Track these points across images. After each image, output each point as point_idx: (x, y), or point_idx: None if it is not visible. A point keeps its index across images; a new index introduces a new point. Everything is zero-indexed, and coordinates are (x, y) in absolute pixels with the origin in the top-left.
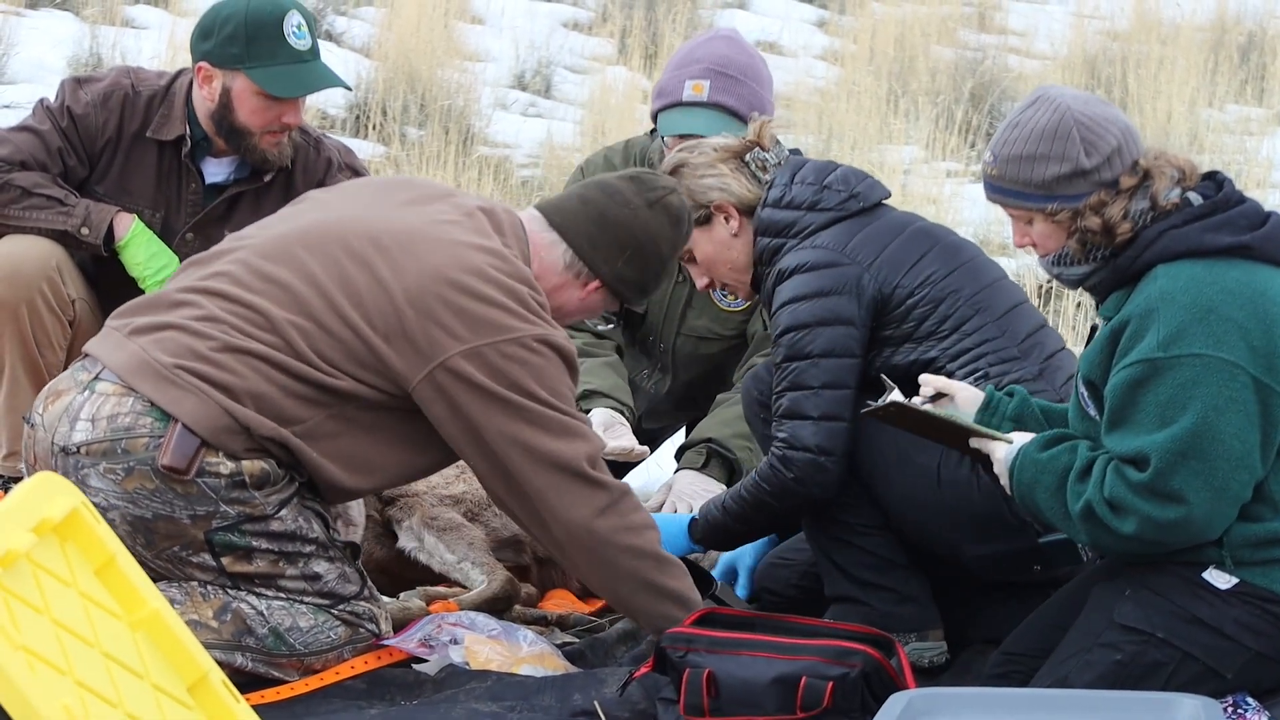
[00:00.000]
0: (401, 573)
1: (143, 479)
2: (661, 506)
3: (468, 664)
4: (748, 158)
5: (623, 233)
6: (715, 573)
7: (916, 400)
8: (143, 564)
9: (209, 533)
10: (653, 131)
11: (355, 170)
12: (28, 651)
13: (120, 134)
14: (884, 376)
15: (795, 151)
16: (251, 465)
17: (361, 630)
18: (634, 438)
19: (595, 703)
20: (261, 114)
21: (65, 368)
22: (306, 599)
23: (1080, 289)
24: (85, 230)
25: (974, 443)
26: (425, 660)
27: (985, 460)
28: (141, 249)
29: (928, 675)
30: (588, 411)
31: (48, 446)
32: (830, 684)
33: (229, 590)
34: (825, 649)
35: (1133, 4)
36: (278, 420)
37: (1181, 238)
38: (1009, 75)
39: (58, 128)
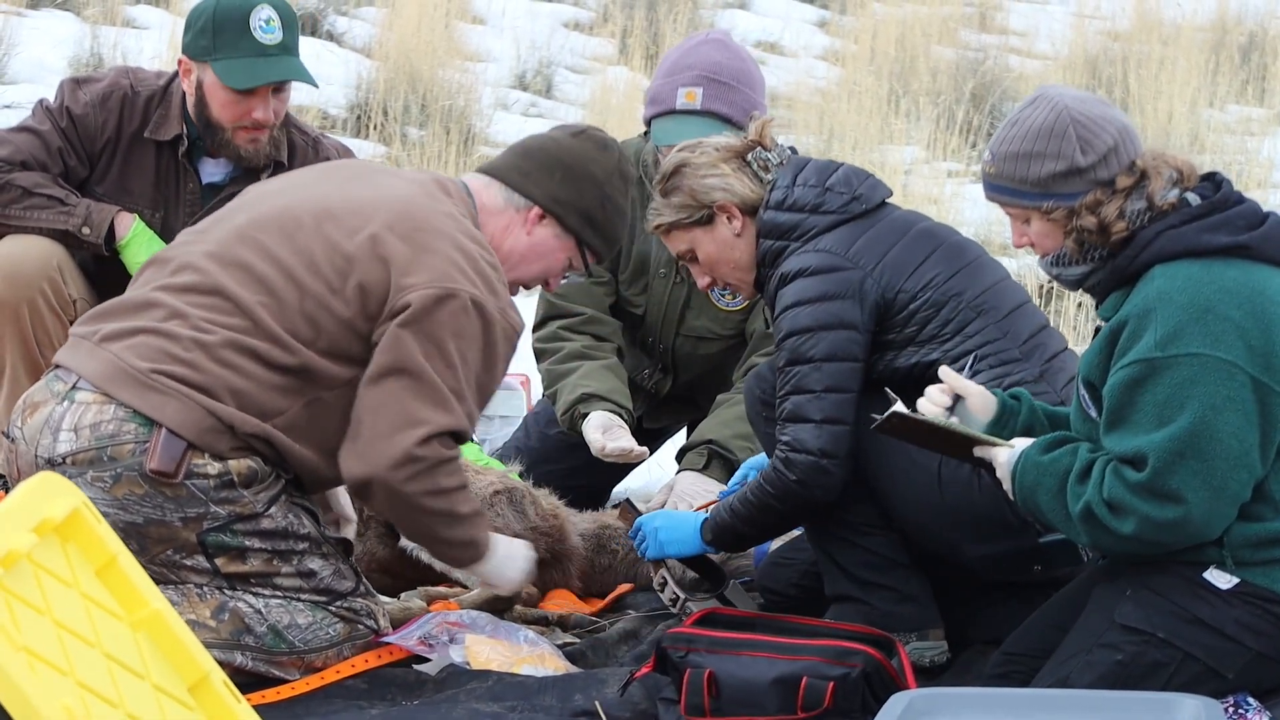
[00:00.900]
0: (403, 573)
1: (131, 485)
2: (663, 507)
3: (468, 664)
4: (749, 157)
5: (548, 157)
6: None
7: (928, 406)
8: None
9: (201, 534)
10: (646, 134)
11: None
12: (29, 652)
13: (119, 134)
14: (887, 390)
15: (793, 150)
16: (238, 464)
17: (360, 627)
18: (633, 439)
19: (596, 703)
20: (231, 108)
21: None
22: (303, 596)
23: (1080, 290)
24: (86, 230)
25: (978, 451)
26: (426, 660)
27: (989, 468)
28: (142, 248)
29: (928, 675)
30: (585, 416)
31: (31, 459)
32: (831, 684)
33: (225, 590)
34: (826, 649)
35: (1133, 4)
36: (259, 415)
37: (1179, 238)
38: (1010, 75)
39: (57, 128)
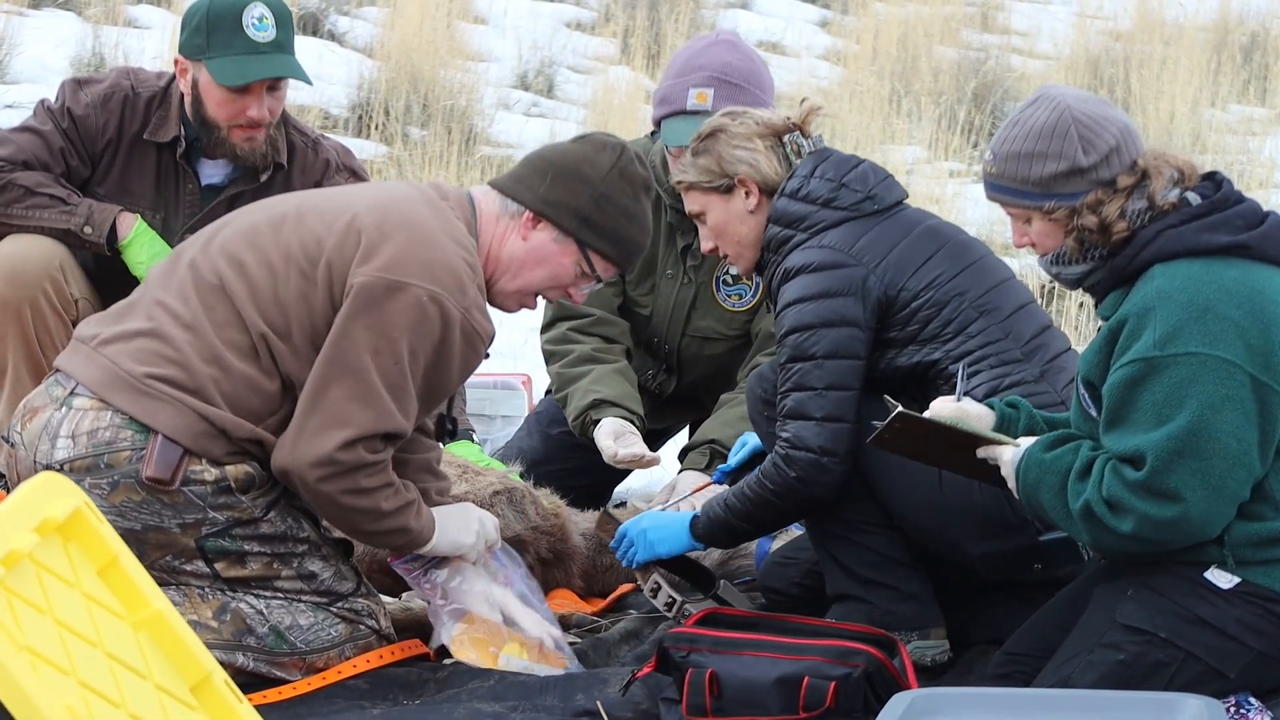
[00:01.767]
0: None
1: (129, 492)
2: (665, 506)
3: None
4: (786, 139)
5: (542, 162)
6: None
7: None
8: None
9: (200, 540)
10: (653, 134)
11: (353, 171)
12: (31, 652)
13: (120, 135)
14: (886, 397)
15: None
16: (235, 470)
17: (361, 627)
18: (644, 446)
19: (598, 703)
20: (225, 106)
21: None
22: (305, 598)
23: (1080, 289)
24: (88, 229)
25: (981, 451)
26: (425, 658)
27: (991, 478)
28: (144, 248)
29: (930, 675)
30: (597, 422)
31: (30, 465)
32: (833, 684)
33: (227, 592)
34: (828, 649)
35: (1135, 4)
36: (250, 417)
37: (1179, 237)
38: (1012, 75)
39: (59, 128)
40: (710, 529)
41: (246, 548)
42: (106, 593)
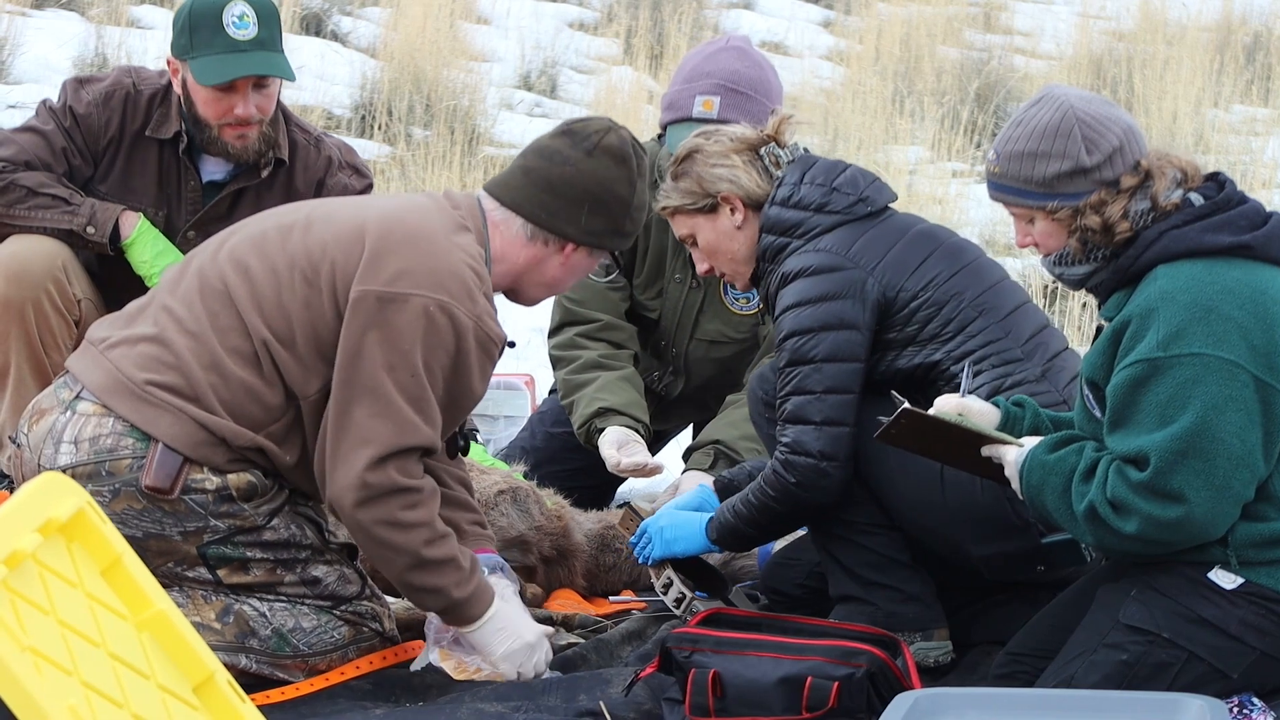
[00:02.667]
0: None
1: (130, 500)
2: None
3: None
4: (762, 151)
5: (574, 190)
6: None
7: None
8: None
9: (201, 547)
10: (660, 137)
11: (356, 169)
12: (34, 652)
13: (122, 133)
14: (893, 393)
15: (805, 150)
16: (237, 478)
17: (365, 630)
18: (649, 454)
19: (600, 703)
20: (212, 105)
21: None
22: (308, 601)
23: (1083, 289)
24: (91, 229)
25: (986, 450)
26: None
27: (995, 474)
28: (147, 247)
29: (933, 675)
30: (602, 430)
31: (34, 468)
32: (836, 684)
33: (230, 595)
34: (831, 649)
35: (1138, 4)
36: (250, 425)
37: (1181, 238)
38: (1014, 75)
39: (61, 128)
40: (721, 532)
41: (249, 554)
42: (109, 593)
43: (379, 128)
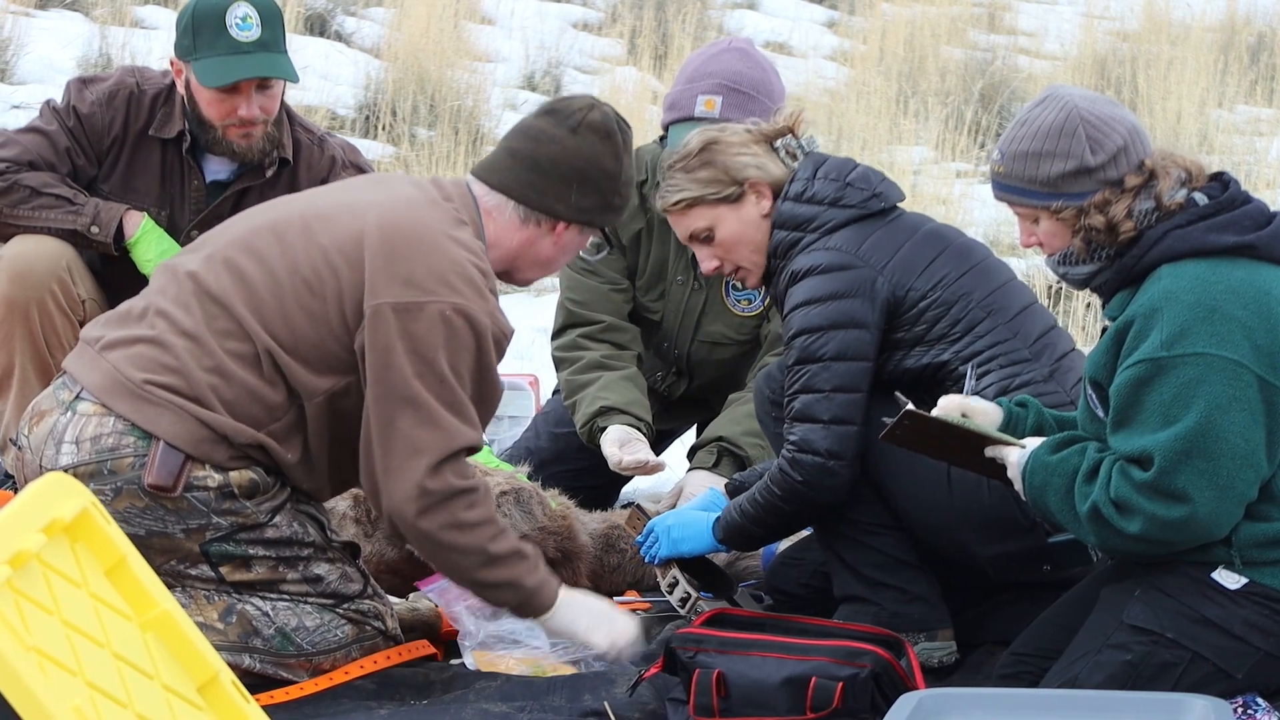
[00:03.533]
0: (412, 574)
1: (132, 498)
2: (674, 507)
3: (478, 667)
4: (778, 143)
5: (561, 169)
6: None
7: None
8: None
9: (204, 545)
10: (663, 138)
11: (359, 168)
12: (38, 652)
13: (126, 133)
14: (897, 394)
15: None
16: (239, 476)
17: (367, 628)
18: (651, 452)
19: (605, 703)
20: (215, 106)
21: None
22: (311, 600)
23: (1087, 289)
24: (95, 229)
25: (989, 451)
26: (433, 658)
27: (1000, 475)
28: (151, 246)
29: (937, 675)
30: (604, 429)
31: (35, 469)
32: (840, 684)
33: (232, 594)
34: (835, 649)
35: (1143, 4)
36: (251, 424)
37: (1185, 237)
38: (1019, 76)
39: (64, 128)
40: (729, 532)
41: (251, 552)
42: (114, 593)
43: (383, 128)
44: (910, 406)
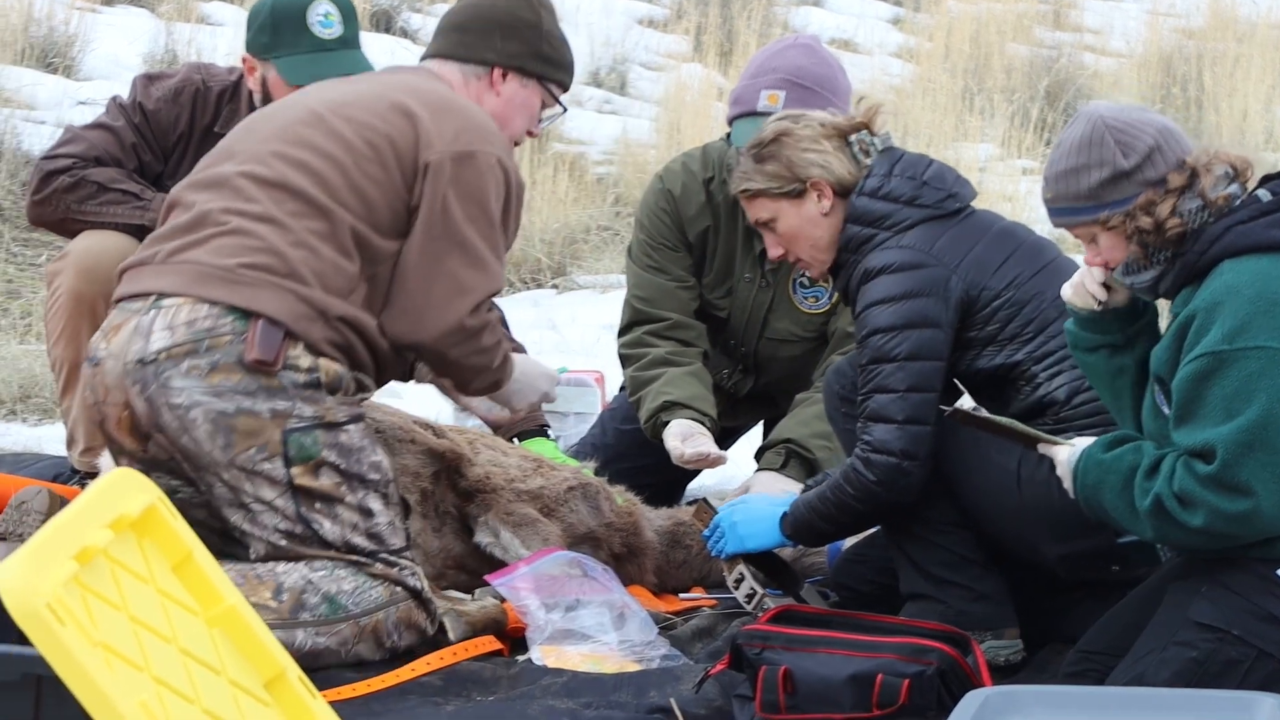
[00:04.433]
0: (478, 568)
1: (228, 372)
2: None
3: (545, 662)
4: (853, 138)
5: (481, 21)
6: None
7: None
8: (214, 481)
9: (286, 432)
10: (728, 136)
11: None
12: (105, 648)
13: (191, 129)
14: (955, 381)
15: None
16: (328, 364)
17: (398, 589)
18: (714, 444)
19: (671, 700)
20: None
21: None
22: (341, 561)
23: (1157, 297)
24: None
25: (1040, 449)
26: (498, 654)
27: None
28: None
29: (1004, 673)
30: (667, 424)
31: (119, 371)
32: (906, 681)
33: (280, 544)
34: (902, 646)
35: (1208, 1)
36: (340, 296)
37: (1247, 233)
38: (1084, 73)
39: (131, 124)
40: (797, 528)
41: (324, 455)
42: (180, 589)
43: None
44: (954, 407)
